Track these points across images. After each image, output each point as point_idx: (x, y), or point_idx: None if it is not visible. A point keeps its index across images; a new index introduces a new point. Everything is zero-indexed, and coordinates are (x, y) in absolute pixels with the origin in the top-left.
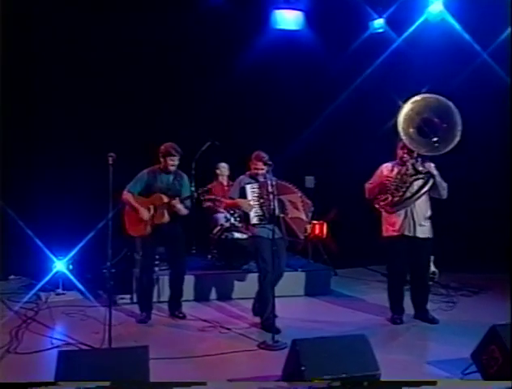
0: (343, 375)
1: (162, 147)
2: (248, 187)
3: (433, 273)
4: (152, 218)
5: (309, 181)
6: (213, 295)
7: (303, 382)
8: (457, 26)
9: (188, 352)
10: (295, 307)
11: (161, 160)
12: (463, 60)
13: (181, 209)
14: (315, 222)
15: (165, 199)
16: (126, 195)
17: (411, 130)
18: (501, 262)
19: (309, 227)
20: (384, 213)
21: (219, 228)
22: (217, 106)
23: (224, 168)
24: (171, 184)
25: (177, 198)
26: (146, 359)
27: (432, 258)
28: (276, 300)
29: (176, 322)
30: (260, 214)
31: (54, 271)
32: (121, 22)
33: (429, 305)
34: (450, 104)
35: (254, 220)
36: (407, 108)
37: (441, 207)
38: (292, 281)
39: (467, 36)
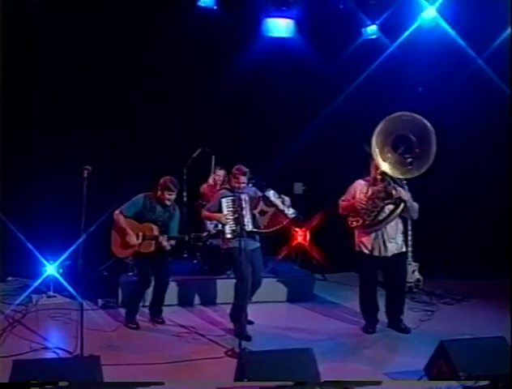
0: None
1: (161, 181)
2: (223, 201)
3: (418, 280)
4: (139, 246)
5: (298, 187)
6: (197, 300)
7: (258, 383)
8: (451, 31)
9: (156, 357)
10: (274, 313)
11: (159, 192)
12: (458, 65)
13: (167, 246)
14: (297, 229)
15: (155, 232)
16: (118, 216)
17: (385, 150)
18: (490, 268)
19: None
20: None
21: (206, 233)
22: (208, 112)
23: (218, 176)
24: (162, 216)
25: (165, 236)
26: (98, 368)
27: (417, 265)
28: (257, 306)
29: (154, 327)
30: (234, 228)
31: (45, 274)
32: (112, 30)
33: (409, 313)
34: (426, 122)
35: (228, 235)
36: (381, 126)
37: (432, 213)
38: (274, 287)
39: (461, 42)
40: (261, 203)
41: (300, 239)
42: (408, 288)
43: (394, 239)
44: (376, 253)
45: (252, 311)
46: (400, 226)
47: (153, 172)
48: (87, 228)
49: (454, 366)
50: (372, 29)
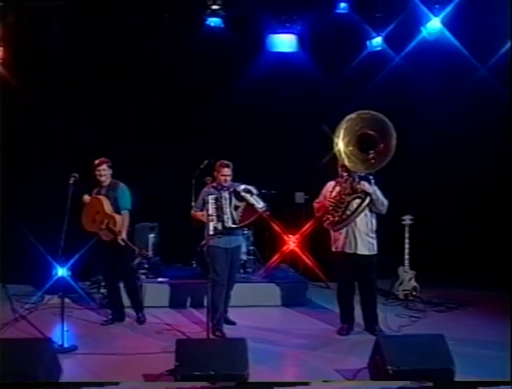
0: (211, 373)
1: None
2: (207, 199)
3: (414, 288)
4: (101, 230)
5: (299, 196)
6: (189, 302)
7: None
8: (455, 42)
9: (128, 349)
10: (261, 316)
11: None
12: (462, 75)
13: (121, 243)
14: (291, 236)
15: (116, 228)
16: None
17: (350, 148)
18: (494, 278)
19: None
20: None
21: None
22: (215, 124)
23: None
24: (107, 195)
25: (122, 237)
26: (51, 351)
27: (413, 273)
28: (251, 309)
29: (141, 326)
30: (215, 225)
31: (57, 276)
32: (121, 43)
33: (395, 319)
34: (384, 117)
35: (211, 232)
36: (342, 127)
37: (439, 220)
38: (268, 292)
39: (465, 52)
40: (233, 198)
41: (293, 246)
42: (404, 295)
43: (366, 235)
44: (347, 249)
45: (245, 313)
46: (372, 224)
47: (164, 183)
48: (68, 233)
49: (385, 361)
50: (377, 41)
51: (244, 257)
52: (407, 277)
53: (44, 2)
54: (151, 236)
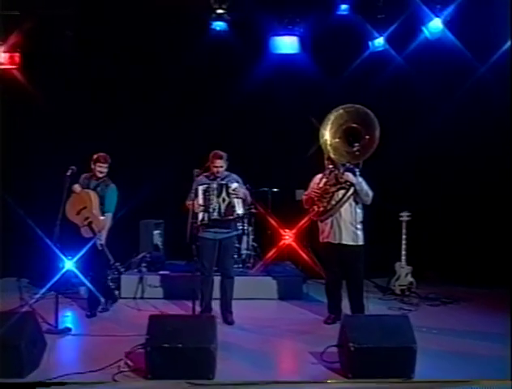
0: (179, 345)
1: (94, 156)
2: (199, 188)
3: (411, 283)
4: (83, 225)
5: (300, 194)
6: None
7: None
8: (457, 42)
9: (118, 332)
10: (254, 308)
11: (92, 167)
12: (463, 75)
13: (98, 246)
14: (287, 231)
15: (96, 228)
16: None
17: (336, 140)
18: (495, 276)
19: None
20: (318, 222)
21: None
22: (220, 124)
23: None
24: (97, 188)
25: (100, 242)
26: (34, 324)
27: (410, 269)
28: (246, 301)
29: (137, 314)
30: (203, 216)
31: (64, 269)
32: (125, 47)
33: (387, 312)
34: (367, 110)
35: (198, 222)
36: (329, 120)
37: (447, 220)
38: (265, 285)
39: (466, 52)
40: (223, 191)
41: (289, 241)
42: (401, 290)
43: (351, 225)
44: (332, 239)
45: (239, 305)
46: (357, 214)
47: (170, 180)
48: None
49: (348, 338)
50: (379, 42)
51: (244, 252)
52: (404, 273)
53: (56, 11)
54: (157, 232)
